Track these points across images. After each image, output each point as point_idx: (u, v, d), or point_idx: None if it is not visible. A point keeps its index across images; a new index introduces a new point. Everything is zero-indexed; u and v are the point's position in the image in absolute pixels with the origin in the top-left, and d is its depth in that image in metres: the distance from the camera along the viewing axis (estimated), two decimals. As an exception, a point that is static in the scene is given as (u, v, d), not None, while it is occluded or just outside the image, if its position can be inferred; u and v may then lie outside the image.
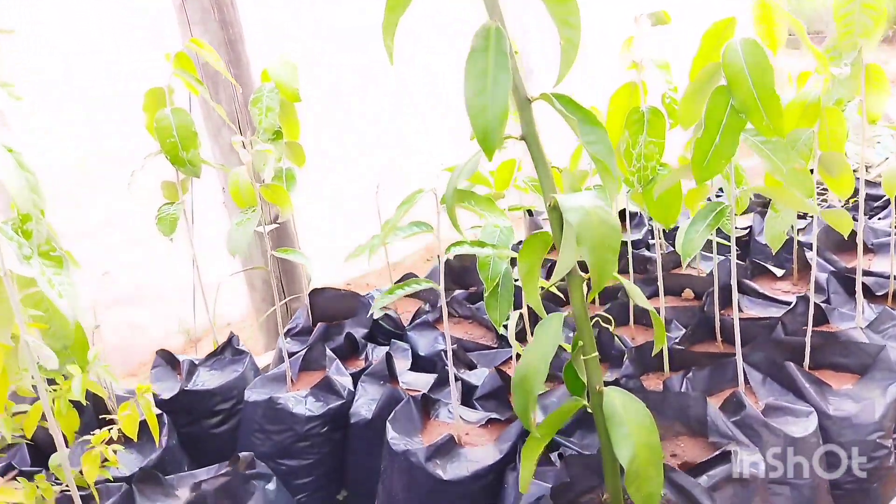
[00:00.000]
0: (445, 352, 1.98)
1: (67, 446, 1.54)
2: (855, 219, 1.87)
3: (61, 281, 1.04)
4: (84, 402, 1.37)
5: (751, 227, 2.85)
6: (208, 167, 1.88)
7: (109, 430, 1.47)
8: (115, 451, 1.44)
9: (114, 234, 3.24)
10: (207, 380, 1.97)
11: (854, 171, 1.71)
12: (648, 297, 2.18)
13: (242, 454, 1.50)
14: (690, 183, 1.75)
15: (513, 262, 1.52)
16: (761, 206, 2.97)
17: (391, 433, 1.55)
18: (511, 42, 0.95)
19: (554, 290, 1.86)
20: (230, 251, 1.58)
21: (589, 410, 1.18)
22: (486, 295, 1.57)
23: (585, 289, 1.13)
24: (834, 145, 1.53)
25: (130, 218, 3.07)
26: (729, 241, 2.50)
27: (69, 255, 1.19)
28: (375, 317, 1.35)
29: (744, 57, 1.14)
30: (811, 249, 2.31)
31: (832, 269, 2.11)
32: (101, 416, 1.65)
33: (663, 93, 1.61)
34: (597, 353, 1.16)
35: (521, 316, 1.87)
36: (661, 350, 1.83)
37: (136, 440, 1.59)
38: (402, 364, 2.02)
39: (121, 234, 3.26)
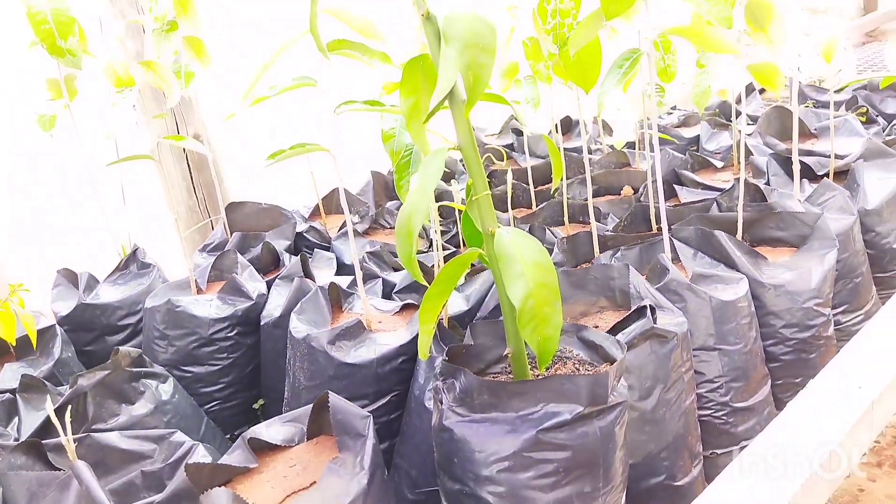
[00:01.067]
0: (371, 253, 1.86)
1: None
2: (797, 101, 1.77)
3: None
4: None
5: (698, 135, 2.76)
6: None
7: (-26, 327, 1.34)
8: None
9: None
10: (110, 293, 1.82)
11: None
12: (586, 199, 2.08)
13: (124, 348, 1.37)
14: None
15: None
16: (710, 115, 2.87)
17: (294, 322, 1.43)
18: None
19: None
20: (105, 135, 1.42)
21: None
22: (394, 172, 1.44)
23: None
24: (760, -11, 1.41)
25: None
26: (669, 138, 2.40)
27: None
28: (267, 165, 1.21)
29: None
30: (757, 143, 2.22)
31: (772, 152, 2.02)
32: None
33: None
34: (489, 192, 1.04)
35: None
36: (592, 239, 1.73)
37: (13, 343, 1.46)
38: (327, 272, 1.89)
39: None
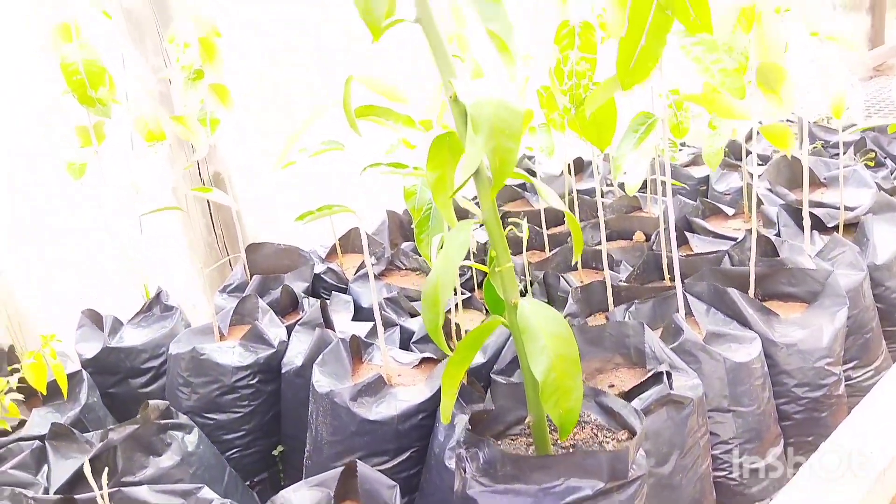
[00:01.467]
0: (388, 299, 1.89)
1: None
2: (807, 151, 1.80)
3: None
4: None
5: (707, 176, 2.79)
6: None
7: (8, 379, 1.38)
8: (14, 400, 1.34)
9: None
10: (134, 336, 1.87)
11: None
12: (598, 243, 2.11)
13: (153, 401, 1.40)
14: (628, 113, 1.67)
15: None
16: (720, 155, 2.90)
17: (316, 375, 1.46)
18: None
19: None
20: (134, 188, 1.47)
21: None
22: (414, 227, 1.48)
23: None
24: (772, 54, 1.45)
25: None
26: (680, 185, 2.45)
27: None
28: (298, 221, 1.25)
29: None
30: (766, 190, 2.26)
31: (783, 202, 2.05)
32: (11, 367, 1.54)
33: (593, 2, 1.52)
34: (512, 264, 1.08)
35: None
36: (606, 288, 1.76)
37: (44, 392, 1.50)
38: (344, 316, 1.93)
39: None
